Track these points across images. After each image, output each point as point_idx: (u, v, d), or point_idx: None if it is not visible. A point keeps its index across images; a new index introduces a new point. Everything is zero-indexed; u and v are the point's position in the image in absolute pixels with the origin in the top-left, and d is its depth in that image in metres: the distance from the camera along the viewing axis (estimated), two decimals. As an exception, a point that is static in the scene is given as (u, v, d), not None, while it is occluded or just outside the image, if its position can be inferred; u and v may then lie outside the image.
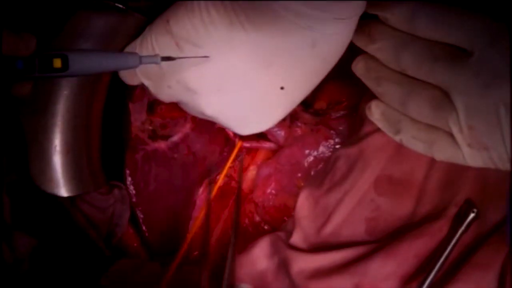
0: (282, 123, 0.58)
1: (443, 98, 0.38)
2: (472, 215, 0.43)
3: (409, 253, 0.45)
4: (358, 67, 0.44)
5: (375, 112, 0.43)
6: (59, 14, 0.47)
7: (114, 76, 0.52)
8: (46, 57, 0.41)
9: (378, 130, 0.50)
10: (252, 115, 0.46)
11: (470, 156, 0.39)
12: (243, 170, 0.62)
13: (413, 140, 0.42)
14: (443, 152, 0.40)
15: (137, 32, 0.48)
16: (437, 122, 0.39)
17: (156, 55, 0.43)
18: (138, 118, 0.58)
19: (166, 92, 0.46)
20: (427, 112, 0.39)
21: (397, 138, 0.43)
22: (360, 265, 0.46)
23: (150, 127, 0.60)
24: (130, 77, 0.48)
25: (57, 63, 0.41)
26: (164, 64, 0.43)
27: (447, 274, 0.43)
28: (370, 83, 0.43)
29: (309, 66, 0.43)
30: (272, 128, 0.58)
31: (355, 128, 0.54)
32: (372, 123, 0.49)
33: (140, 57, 0.43)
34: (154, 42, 0.44)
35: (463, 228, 0.43)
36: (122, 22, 0.48)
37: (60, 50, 0.42)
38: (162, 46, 0.43)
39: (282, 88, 0.44)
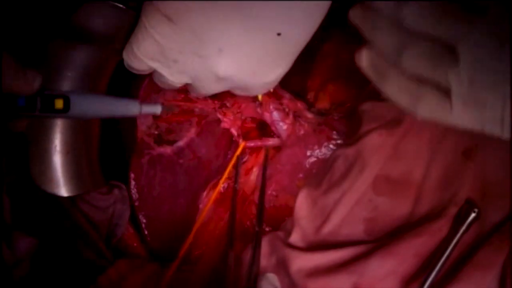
0: (285, 118, 0.59)
1: (444, 50, 0.36)
2: (473, 215, 0.42)
3: (408, 252, 0.45)
4: (355, 14, 0.43)
5: (365, 60, 0.42)
6: (59, 12, 0.47)
7: (114, 76, 0.52)
8: (48, 97, 0.41)
9: (375, 130, 0.50)
10: (263, 66, 0.46)
11: (459, 113, 0.36)
12: (245, 172, 0.62)
13: (399, 93, 0.40)
14: (429, 108, 0.38)
15: None
16: (433, 73, 0.37)
17: (156, 104, 0.45)
18: (144, 122, 0.59)
19: (175, 69, 0.46)
20: (424, 62, 0.37)
21: (383, 89, 0.41)
22: (359, 264, 0.45)
23: (156, 132, 0.60)
24: (137, 63, 0.47)
25: (59, 104, 0.42)
26: (161, 39, 0.43)
27: (447, 274, 0.43)
28: (366, 30, 0.42)
29: (299, 9, 0.43)
30: (277, 120, 0.58)
31: (353, 128, 0.54)
32: (369, 123, 0.49)
33: (141, 105, 0.44)
34: (147, 24, 0.44)
35: (464, 228, 0.42)
36: (122, 21, 0.48)
37: (62, 91, 0.43)
38: (154, 24, 0.43)
39: (279, 34, 0.44)
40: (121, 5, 0.46)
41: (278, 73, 0.47)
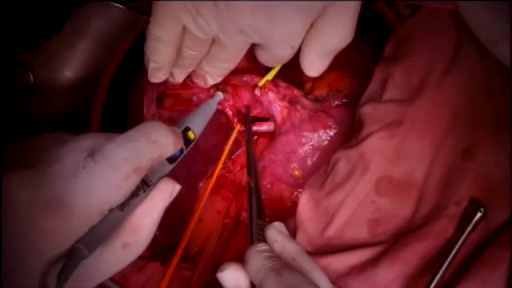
0: (280, 101, 0.59)
1: None
2: (479, 215, 0.43)
3: (415, 256, 0.45)
4: None
5: None
6: (59, 12, 0.46)
7: (115, 76, 0.51)
8: (184, 134, 0.44)
9: (377, 132, 0.50)
10: (276, 11, 0.45)
11: None
12: (241, 167, 0.62)
13: None
14: None
15: (138, 30, 0.48)
16: None
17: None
18: (149, 111, 0.58)
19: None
20: None
21: None
22: (368, 272, 0.46)
23: (160, 120, 0.59)
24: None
25: (191, 135, 0.45)
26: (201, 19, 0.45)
27: (455, 273, 0.44)
28: None
29: None
30: (272, 100, 0.58)
31: (354, 131, 0.54)
32: (371, 125, 0.50)
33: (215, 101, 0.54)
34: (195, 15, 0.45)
35: (470, 227, 0.43)
36: (122, 21, 0.47)
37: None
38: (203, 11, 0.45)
39: None
40: (120, 5, 0.46)
41: (297, 24, 0.46)
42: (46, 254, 0.34)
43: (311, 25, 0.48)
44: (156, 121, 0.40)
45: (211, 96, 0.57)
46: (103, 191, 0.35)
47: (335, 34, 0.48)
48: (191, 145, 0.45)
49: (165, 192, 0.41)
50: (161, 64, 0.50)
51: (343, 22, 0.47)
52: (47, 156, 0.36)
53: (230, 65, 0.53)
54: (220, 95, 0.55)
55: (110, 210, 0.36)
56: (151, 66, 0.50)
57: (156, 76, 0.51)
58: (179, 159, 0.44)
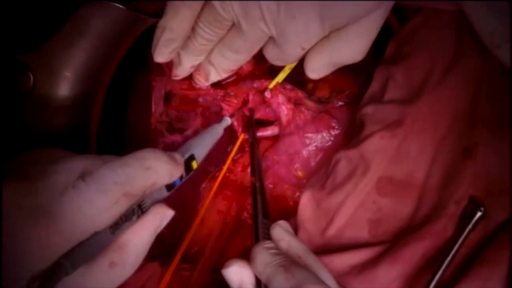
0: (287, 103, 0.59)
1: None
2: (479, 214, 0.43)
3: (415, 256, 0.45)
4: None
5: None
6: (59, 12, 0.46)
7: (115, 77, 0.51)
8: (187, 163, 0.44)
9: (377, 132, 0.50)
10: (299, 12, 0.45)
11: None
12: (242, 168, 0.62)
13: None
14: None
15: (138, 31, 0.48)
16: None
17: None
18: (157, 109, 0.58)
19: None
20: None
21: None
22: (368, 272, 0.46)
23: (167, 119, 0.59)
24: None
25: (194, 164, 0.45)
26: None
27: (455, 272, 0.44)
28: None
29: None
30: (280, 102, 0.58)
31: (355, 131, 0.54)
32: (371, 126, 0.50)
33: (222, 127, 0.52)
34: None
35: (470, 227, 0.43)
36: (122, 22, 0.47)
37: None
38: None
39: None
40: (120, 5, 0.46)
41: (315, 28, 0.46)
42: (28, 266, 0.34)
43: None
44: (153, 149, 0.40)
45: (218, 104, 0.57)
46: (90, 212, 0.35)
47: (346, 51, 0.48)
48: (190, 174, 0.45)
49: (156, 215, 0.41)
50: (176, 34, 0.48)
51: (357, 43, 0.47)
52: (40, 170, 0.36)
53: (239, 59, 0.52)
54: (228, 121, 0.54)
55: (99, 232, 0.36)
56: (165, 36, 0.48)
57: (164, 52, 0.49)
58: (176, 187, 0.43)
